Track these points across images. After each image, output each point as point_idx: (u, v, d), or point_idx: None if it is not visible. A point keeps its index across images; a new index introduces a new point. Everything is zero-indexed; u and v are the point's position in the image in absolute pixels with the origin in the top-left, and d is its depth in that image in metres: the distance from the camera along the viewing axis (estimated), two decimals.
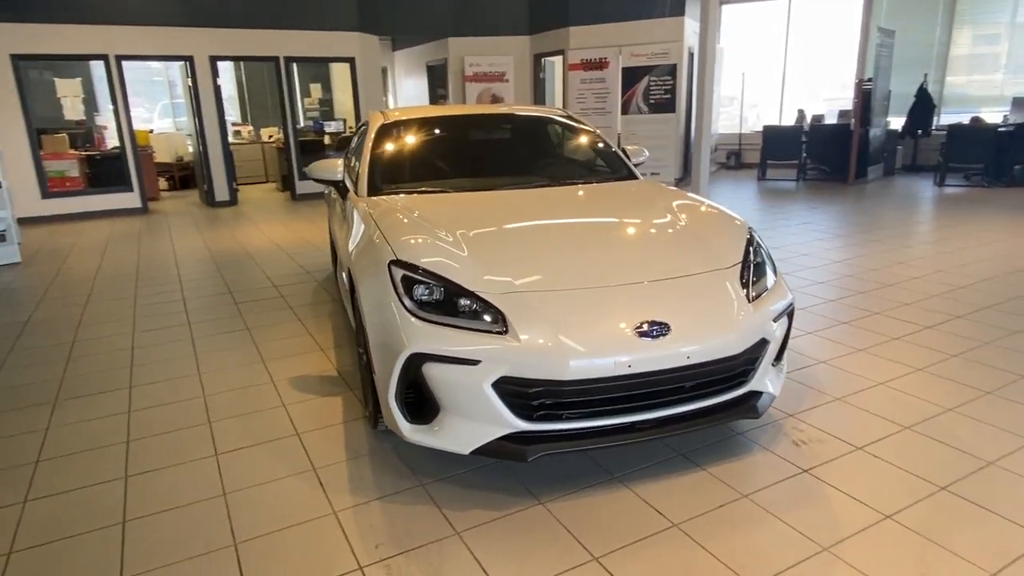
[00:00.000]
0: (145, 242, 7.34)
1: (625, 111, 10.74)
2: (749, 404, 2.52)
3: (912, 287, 4.70)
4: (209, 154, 9.99)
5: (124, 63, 9.17)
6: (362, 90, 10.89)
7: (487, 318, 2.26)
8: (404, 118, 3.90)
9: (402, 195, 3.28)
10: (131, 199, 9.64)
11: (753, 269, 2.68)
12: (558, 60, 11.62)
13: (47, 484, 2.53)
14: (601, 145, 4.03)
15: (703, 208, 3.10)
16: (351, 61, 10.70)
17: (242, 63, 12.93)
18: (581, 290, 2.37)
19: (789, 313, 2.68)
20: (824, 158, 10.70)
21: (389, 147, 3.70)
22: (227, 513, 2.30)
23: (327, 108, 12.88)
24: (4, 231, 6.28)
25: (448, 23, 11.63)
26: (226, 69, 13.17)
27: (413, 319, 2.29)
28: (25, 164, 8.84)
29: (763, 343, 2.49)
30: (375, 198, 3.27)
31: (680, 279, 2.49)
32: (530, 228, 2.81)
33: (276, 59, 10.19)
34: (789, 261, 5.55)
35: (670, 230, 2.85)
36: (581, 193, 3.37)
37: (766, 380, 2.60)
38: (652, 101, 10.51)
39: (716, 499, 2.31)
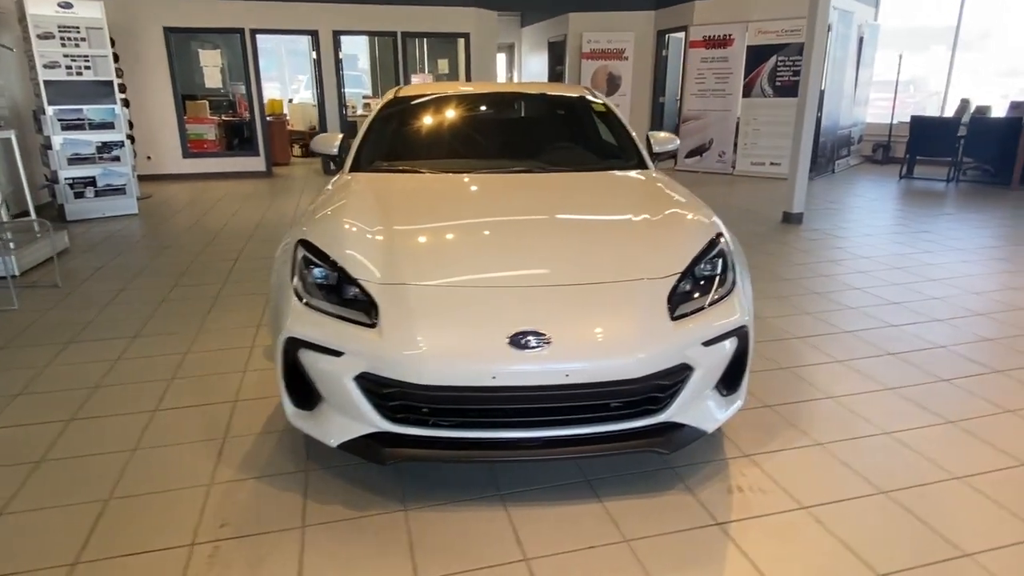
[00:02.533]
0: (250, 203, 7.95)
1: (747, 94, 9.85)
2: (663, 437, 2.18)
3: None
4: (327, 123, 10.59)
5: (262, 36, 9.95)
6: (475, 66, 10.94)
7: (361, 310, 2.14)
8: (414, 94, 3.81)
9: (382, 174, 3.21)
10: (257, 163, 10.49)
11: (700, 282, 2.31)
12: (684, 37, 10.89)
13: None
14: (614, 131, 3.68)
15: (675, 209, 2.71)
16: (466, 36, 10.77)
17: (376, 38, 13.51)
18: (474, 290, 2.17)
19: (740, 336, 2.28)
20: (987, 156, 9.12)
21: (387, 124, 3.64)
22: (122, 468, 2.41)
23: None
24: (124, 185, 7.08)
25: None
26: (361, 43, 13.83)
27: (295, 301, 2.23)
28: (170, 126, 9.91)
29: (683, 369, 2.14)
30: (353, 174, 3.24)
31: (595, 286, 2.20)
32: (474, 219, 2.62)
33: (394, 34, 10.52)
34: (908, 287, 4.77)
35: (623, 231, 2.54)
36: (565, 182, 3.10)
37: (694, 412, 2.24)
38: (778, 83, 9.53)
39: (591, 537, 2.03)
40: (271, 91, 14.65)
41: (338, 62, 10.42)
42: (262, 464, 2.43)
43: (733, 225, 6.49)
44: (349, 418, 2.15)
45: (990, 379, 3.12)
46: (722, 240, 2.48)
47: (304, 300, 2.22)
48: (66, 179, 6.71)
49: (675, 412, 2.18)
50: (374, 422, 2.10)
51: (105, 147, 6.92)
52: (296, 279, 2.29)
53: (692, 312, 2.21)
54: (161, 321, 3.92)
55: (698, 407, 2.26)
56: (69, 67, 6.56)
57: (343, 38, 10.52)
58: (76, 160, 6.77)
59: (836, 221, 6.69)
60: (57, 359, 3.37)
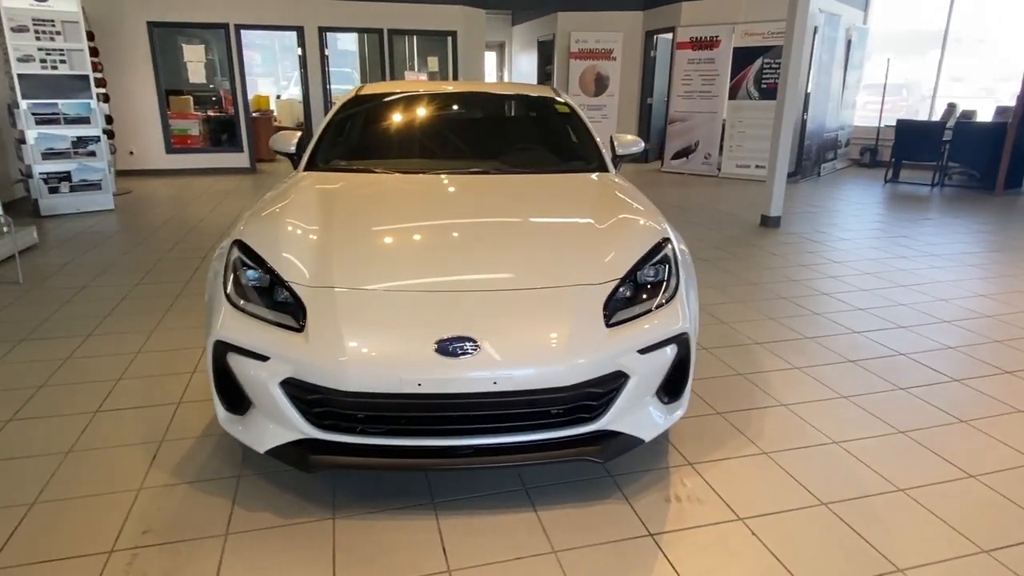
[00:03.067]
0: (230, 199, 7.89)
1: (733, 96, 9.82)
2: (598, 445, 2.15)
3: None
4: (313, 120, 10.53)
5: (257, 33, 9.91)
6: (462, 64, 10.89)
7: (289, 314, 2.10)
8: (375, 92, 3.77)
9: (334, 173, 3.17)
10: (241, 159, 10.43)
11: (641, 288, 2.28)
12: (672, 38, 10.85)
13: None
14: (577, 132, 3.63)
15: (624, 214, 2.67)
16: (453, 34, 10.72)
17: (366, 36, 13.44)
18: (405, 294, 2.13)
19: (680, 343, 2.24)
20: (973, 161, 9.10)
21: (345, 122, 3.59)
22: (54, 471, 2.36)
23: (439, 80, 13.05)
24: (100, 180, 7.02)
25: None
26: (351, 40, 13.76)
27: (226, 304, 2.19)
28: (154, 121, 9.84)
29: (618, 377, 2.10)
30: (306, 173, 3.19)
31: (531, 291, 2.16)
32: (416, 222, 2.57)
33: (381, 31, 10.47)
34: (877, 293, 4.75)
35: (566, 236, 2.49)
36: (518, 184, 3.05)
37: (631, 419, 2.20)
38: (764, 86, 9.50)
39: (519, 548, 2.00)
40: (265, 87, 14.59)
41: (323, 58, 10.36)
42: (196, 469, 2.39)
43: (710, 228, 6.52)
44: (277, 424, 2.11)
45: (948, 388, 3.09)
46: (668, 246, 2.44)
47: (234, 302, 2.18)
48: (40, 174, 6.65)
49: (610, 420, 2.15)
50: (301, 428, 2.06)
51: (80, 142, 6.85)
52: (229, 281, 2.25)
53: (629, 319, 2.17)
54: (118, 319, 3.87)
55: (636, 415, 2.22)
56: (44, 61, 6.50)
57: (333, 35, 10.47)
58: (51, 155, 6.71)
59: (815, 225, 6.66)
60: (7, 357, 3.32)
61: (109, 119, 8.19)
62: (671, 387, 2.34)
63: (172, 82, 10.06)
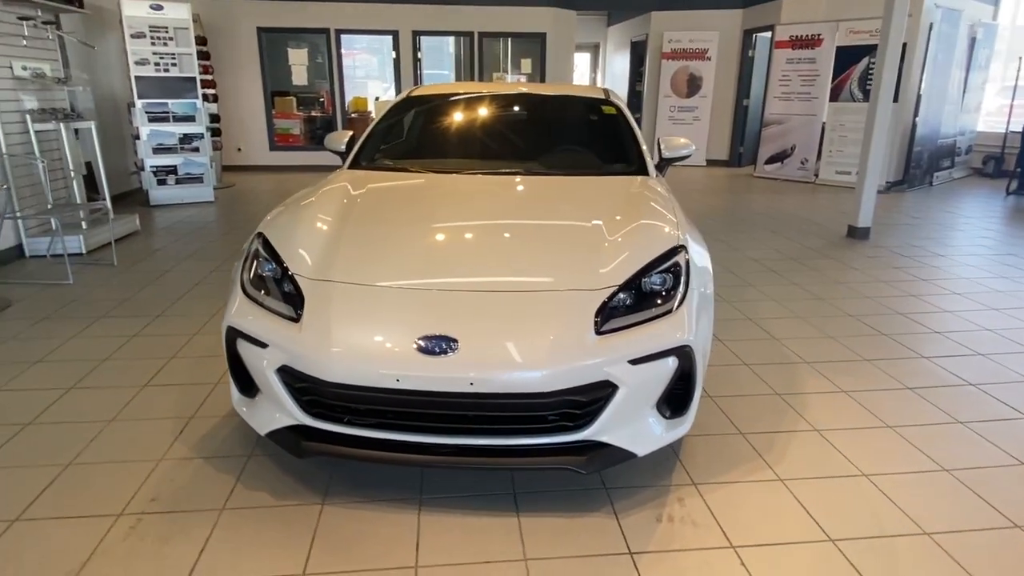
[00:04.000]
0: None
1: (835, 98, 9.21)
2: (584, 456, 2.09)
3: None
4: None
5: (348, 36, 10.43)
6: (550, 66, 10.89)
7: (291, 305, 2.19)
8: (427, 93, 3.85)
9: (373, 171, 3.27)
10: (337, 157, 10.94)
11: (643, 297, 2.19)
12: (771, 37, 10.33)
13: None
14: (621, 135, 3.53)
15: (643, 220, 2.57)
16: (542, 37, 10.75)
17: (461, 39, 13.75)
18: (398, 291, 2.16)
19: (682, 356, 2.14)
20: None
21: (395, 122, 3.70)
22: (94, 437, 2.60)
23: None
24: (202, 174, 7.62)
25: None
26: (447, 44, 14.11)
27: (240, 293, 2.32)
28: (259, 120, 10.55)
29: (605, 386, 2.03)
30: (348, 171, 3.32)
31: (523, 294, 2.13)
32: (432, 221, 2.60)
33: (471, 34, 10.67)
34: (961, 316, 4.34)
35: (575, 240, 2.43)
36: (549, 186, 3.02)
37: (623, 432, 2.12)
38: (870, 87, 8.82)
39: (492, 553, 1.98)
40: (376, 90, 15.22)
41: (416, 61, 10.70)
42: (214, 445, 2.54)
43: (789, 237, 6.15)
44: (275, 409, 2.21)
45: (1017, 426, 2.76)
46: (679, 255, 2.33)
47: (247, 291, 2.31)
48: (151, 167, 7.31)
49: (599, 431, 2.08)
50: (295, 415, 2.15)
51: (186, 138, 7.47)
52: (246, 270, 2.38)
53: (624, 327, 2.09)
54: (187, 302, 4.18)
55: (630, 427, 2.14)
56: (157, 64, 7.14)
57: (433, 39, 10.81)
58: (160, 150, 7.36)
59: (909, 238, 6.12)
60: (84, 332, 3.68)
61: (216, 118, 8.86)
62: (674, 401, 2.25)
63: (277, 84, 10.74)
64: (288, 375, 2.11)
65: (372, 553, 1.98)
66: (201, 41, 8.51)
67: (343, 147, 3.67)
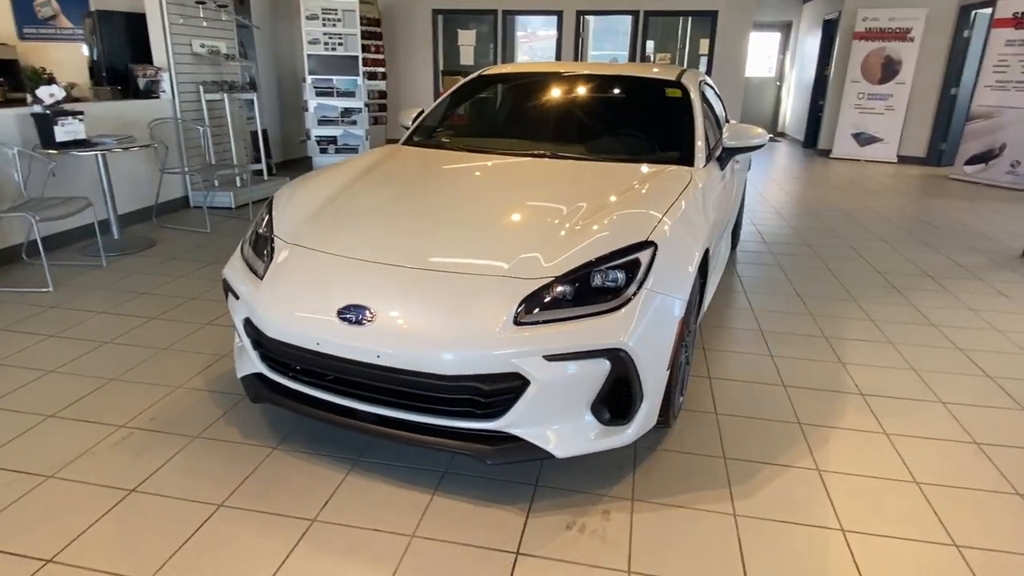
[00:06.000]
0: None
1: None
2: (494, 446, 2.04)
3: None
4: None
5: (516, 17, 10.70)
6: (719, 48, 10.19)
7: (264, 263, 2.39)
8: (499, 72, 3.86)
9: (418, 148, 3.38)
10: None
11: (592, 292, 2.06)
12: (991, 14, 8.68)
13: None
14: (680, 121, 3.26)
15: (628, 210, 2.38)
16: (713, 15, 10.08)
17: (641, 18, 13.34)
18: (346, 260, 2.23)
19: (615, 360, 1.99)
20: None
21: (458, 99, 3.77)
22: (144, 360, 3.05)
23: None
24: (358, 145, 8.34)
25: None
26: (623, 24, 13.78)
27: (239, 251, 2.57)
28: (428, 98, 11.23)
29: (515, 378, 1.96)
30: (391, 146, 3.47)
31: (458, 276, 2.10)
32: (423, 197, 2.63)
33: (636, 12, 10.33)
34: None
35: (542, 226, 2.30)
36: (568, 171, 2.88)
37: (542, 429, 2.04)
38: None
39: (387, 523, 2.02)
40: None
41: (578, 41, 10.63)
42: (223, 383, 2.87)
43: (941, 252, 5.23)
44: (246, 356, 2.44)
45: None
46: (643, 252, 2.15)
47: (243, 249, 2.55)
48: (315, 137, 8.17)
49: (512, 423, 2.02)
50: (255, 363, 2.36)
51: (347, 112, 8.21)
52: (252, 230, 2.63)
53: (552, 321, 1.99)
54: None
55: (550, 426, 2.05)
56: (326, 43, 7.91)
57: (597, 19, 10.69)
58: (324, 122, 8.18)
59: None
60: (193, 274, 4.30)
61: (383, 95, 9.61)
62: (615, 407, 2.10)
63: (446, 64, 11.33)
64: (249, 326, 2.31)
65: (285, 500, 2.12)
66: (374, 23, 9.25)
67: (410, 123, 3.83)
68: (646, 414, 2.15)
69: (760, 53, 13.84)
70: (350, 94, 8.18)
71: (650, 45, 12.38)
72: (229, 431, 2.50)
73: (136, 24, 5.65)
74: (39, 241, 4.00)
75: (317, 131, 8.19)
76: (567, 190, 2.65)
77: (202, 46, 6.01)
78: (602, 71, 3.66)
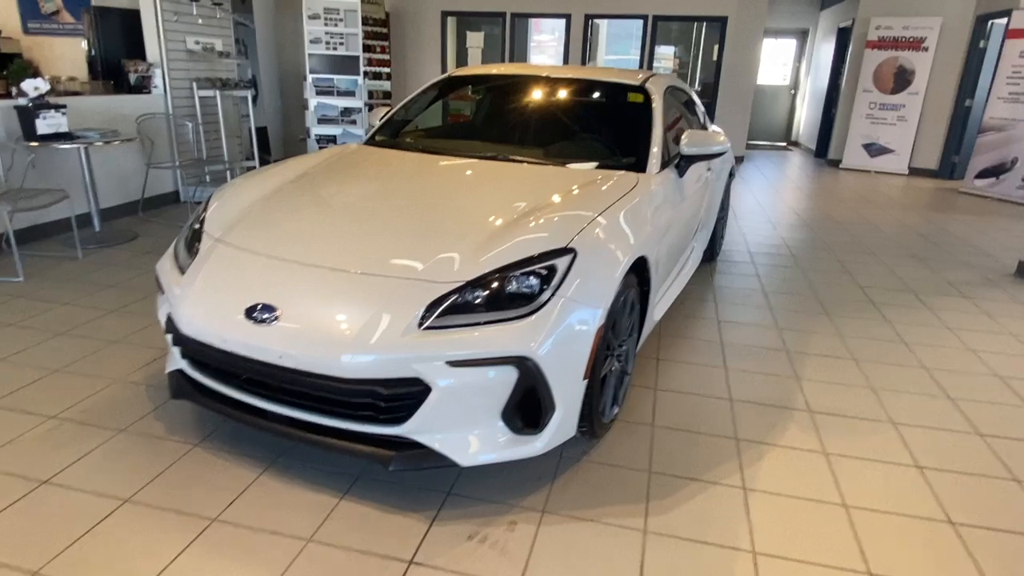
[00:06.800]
0: None
1: None
2: (397, 451, 2.01)
3: None
4: None
5: (526, 20, 10.69)
6: (728, 54, 10.06)
7: (190, 258, 2.38)
8: (467, 73, 3.83)
9: (374, 148, 3.35)
10: None
11: (506, 298, 2.01)
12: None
13: None
14: (639, 126, 3.20)
15: (554, 215, 2.33)
16: (723, 20, 9.95)
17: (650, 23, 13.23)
18: (262, 259, 2.20)
19: (522, 368, 1.95)
20: None
21: (420, 102, 3.74)
22: (92, 352, 3.07)
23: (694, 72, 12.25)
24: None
25: None
26: (635, 28, 13.69)
27: (172, 247, 2.57)
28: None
29: (416, 383, 1.92)
30: (345, 145, 3.45)
31: (368, 277, 2.07)
32: (353, 199, 2.58)
33: (645, 17, 10.25)
34: None
35: (461, 230, 2.24)
36: (509, 174, 2.81)
37: (446, 436, 2.00)
38: None
39: (287, 525, 2.00)
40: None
41: (585, 44, 10.57)
42: (161, 378, 2.87)
43: (933, 268, 5.08)
44: (173, 352, 2.43)
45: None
46: (560, 258, 2.10)
47: (175, 246, 2.55)
48: (315, 135, 8.22)
49: (415, 429, 1.99)
50: (176, 360, 2.35)
51: (346, 111, 8.25)
52: (187, 225, 2.63)
53: (460, 326, 1.95)
54: None
55: (456, 433, 2.01)
56: (327, 43, 7.96)
57: (609, 23, 10.62)
58: (324, 120, 8.22)
59: None
60: None
61: (388, 95, 9.64)
62: (529, 415, 2.06)
63: (456, 65, 11.33)
64: (170, 322, 2.31)
65: (191, 498, 2.11)
66: (380, 23, 9.29)
67: (377, 123, 3.81)
68: (559, 424, 2.10)
69: (775, 60, 13.64)
70: (350, 93, 8.22)
71: (668, 50, 12.31)
72: (155, 426, 2.50)
73: (132, 20, 5.74)
74: (10, 232, 4.05)
75: (317, 129, 8.23)
76: (507, 194, 2.60)
77: (196, 43, 6.08)
78: (568, 74, 3.61)
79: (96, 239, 4.78)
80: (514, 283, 2.05)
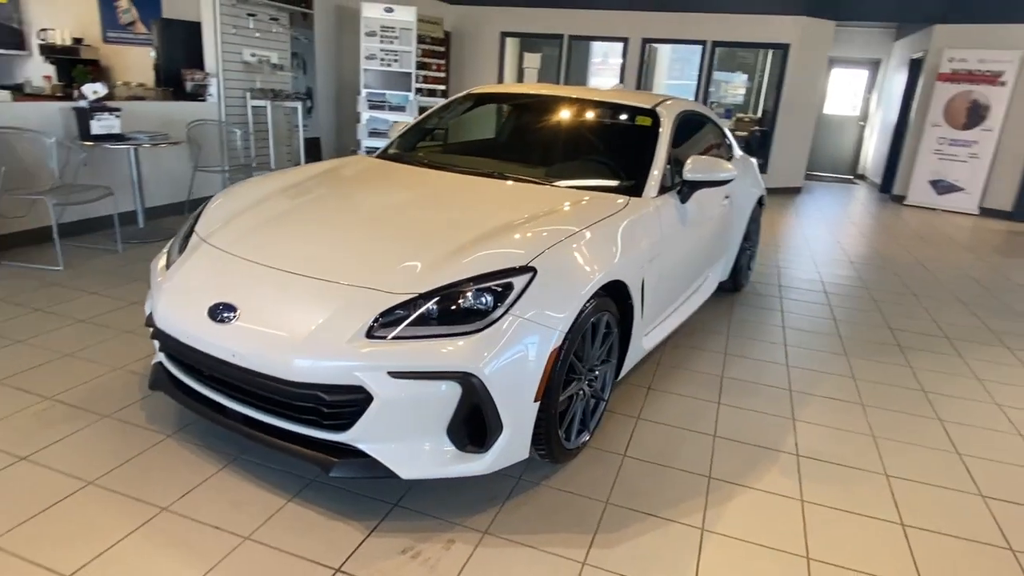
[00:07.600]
0: None
1: None
2: (340, 458, 2.02)
3: None
4: None
5: (586, 43, 10.76)
6: (789, 82, 9.78)
7: (177, 257, 2.49)
8: (487, 91, 3.87)
9: (384, 160, 3.42)
10: None
11: (459, 312, 2.02)
12: None
13: None
14: (643, 150, 3.14)
15: (524, 234, 2.31)
16: (784, 48, 9.70)
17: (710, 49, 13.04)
18: (236, 259, 2.28)
19: (465, 385, 1.94)
20: None
21: (439, 118, 3.81)
22: (101, 340, 3.24)
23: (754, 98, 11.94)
24: None
25: (936, 5, 9.19)
26: (694, 53, 13.52)
27: (167, 246, 2.70)
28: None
29: (358, 391, 1.94)
30: (358, 157, 3.53)
31: (328, 284, 2.10)
32: (342, 210, 2.63)
33: (704, 43, 10.11)
34: None
35: (430, 244, 2.26)
36: (502, 193, 2.81)
37: (389, 447, 2.01)
38: None
39: (231, 522, 2.05)
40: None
41: (641, 69, 10.52)
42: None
43: (977, 313, 4.88)
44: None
45: None
46: (518, 276, 2.08)
47: (170, 245, 2.67)
48: (364, 148, 8.47)
49: (358, 437, 2.00)
50: (158, 353, 2.45)
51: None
52: (185, 226, 2.76)
53: (402, 337, 1.96)
54: None
55: (400, 445, 2.02)
56: (382, 59, 8.22)
57: (670, 47, 10.56)
58: (374, 133, 8.47)
59: None
60: None
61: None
62: (474, 433, 2.04)
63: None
64: (151, 315, 2.42)
65: (150, 486, 2.19)
66: (439, 42, 9.51)
67: (395, 136, 3.90)
68: (506, 445, 2.07)
69: (845, 91, 13.16)
70: (400, 108, 8.44)
71: (729, 76, 12.09)
72: (138, 415, 2.61)
73: (194, 32, 6.09)
74: (54, 224, 4.35)
75: (367, 142, 8.48)
76: (488, 211, 2.60)
77: (252, 55, 6.40)
78: (582, 95, 3.60)
79: (139, 235, 5.06)
80: (469, 298, 2.05)
